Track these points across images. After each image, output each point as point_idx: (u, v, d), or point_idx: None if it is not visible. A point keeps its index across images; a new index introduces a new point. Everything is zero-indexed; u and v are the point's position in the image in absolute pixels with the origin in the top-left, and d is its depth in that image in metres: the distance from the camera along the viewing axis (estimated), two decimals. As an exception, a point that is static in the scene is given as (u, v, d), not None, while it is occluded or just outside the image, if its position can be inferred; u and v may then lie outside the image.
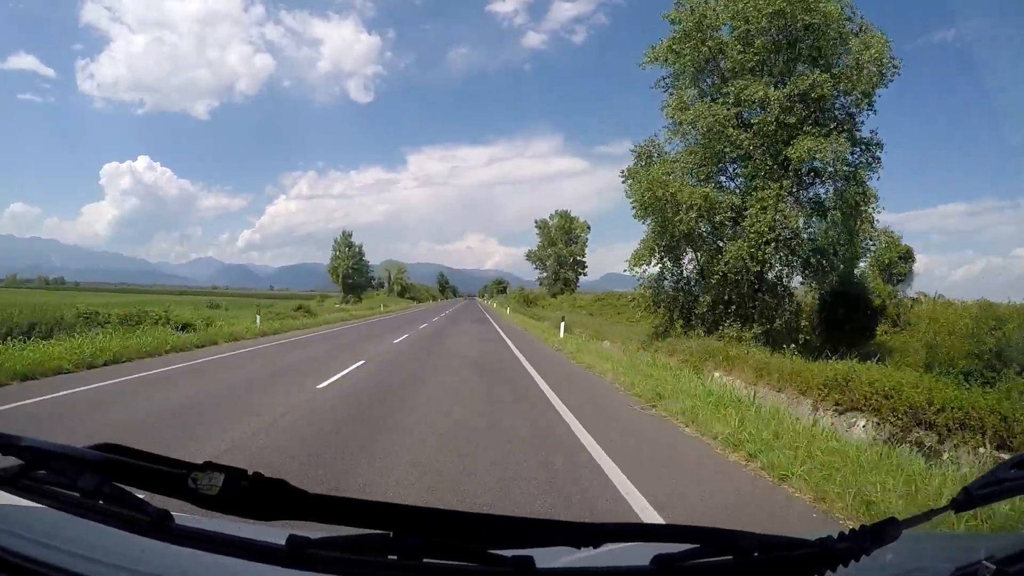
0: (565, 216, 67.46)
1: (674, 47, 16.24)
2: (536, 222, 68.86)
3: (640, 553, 0.76)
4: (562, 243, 65.85)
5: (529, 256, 69.35)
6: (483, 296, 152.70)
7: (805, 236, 16.13)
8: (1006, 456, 5.51)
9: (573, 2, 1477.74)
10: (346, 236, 76.61)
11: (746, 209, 15.65)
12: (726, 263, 15.62)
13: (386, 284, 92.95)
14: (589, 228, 67.30)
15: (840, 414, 7.88)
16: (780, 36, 15.43)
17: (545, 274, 67.79)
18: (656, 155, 17.65)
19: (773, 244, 15.42)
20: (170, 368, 10.48)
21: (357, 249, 76.82)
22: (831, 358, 10.32)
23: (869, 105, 15.51)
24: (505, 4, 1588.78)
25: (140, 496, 0.77)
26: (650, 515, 3.77)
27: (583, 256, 67.22)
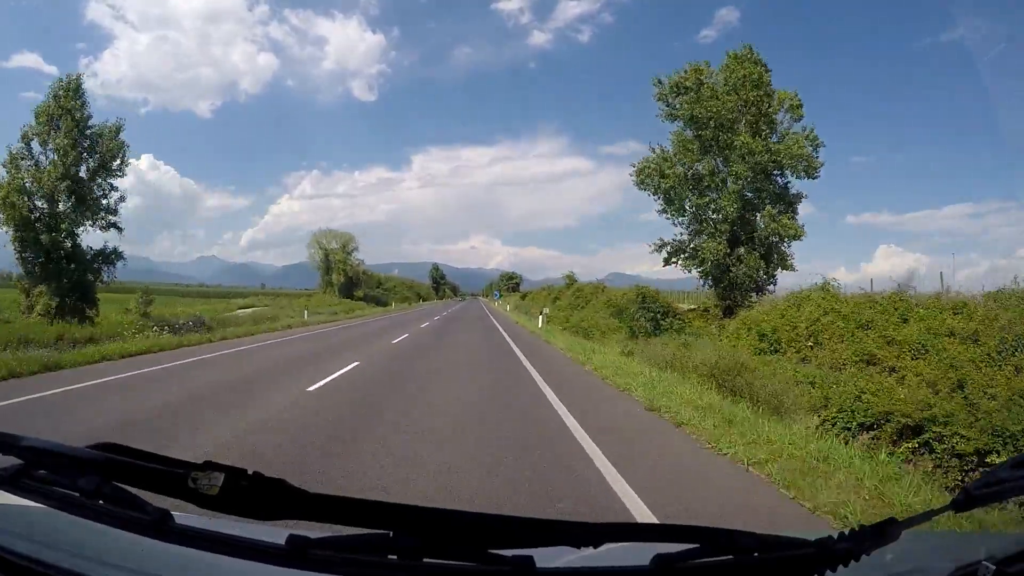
0: (739, 59, 20.57)
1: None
2: (656, 83, 21.60)
3: (640, 553, 0.76)
4: (751, 139, 19.63)
5: (643, 178, 21.69)
6: (488, 295, 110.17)
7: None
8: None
9: (579, 0, 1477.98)
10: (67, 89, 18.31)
11: None
12: None
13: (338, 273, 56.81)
14: (820, 142, 20.52)
15: None
16: None
17: (695, 237, 21.60)
18: None
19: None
20: None
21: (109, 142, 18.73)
22: None
23: None
24: (511, 2, 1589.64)
25: (140, 496, 0.76)
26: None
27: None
